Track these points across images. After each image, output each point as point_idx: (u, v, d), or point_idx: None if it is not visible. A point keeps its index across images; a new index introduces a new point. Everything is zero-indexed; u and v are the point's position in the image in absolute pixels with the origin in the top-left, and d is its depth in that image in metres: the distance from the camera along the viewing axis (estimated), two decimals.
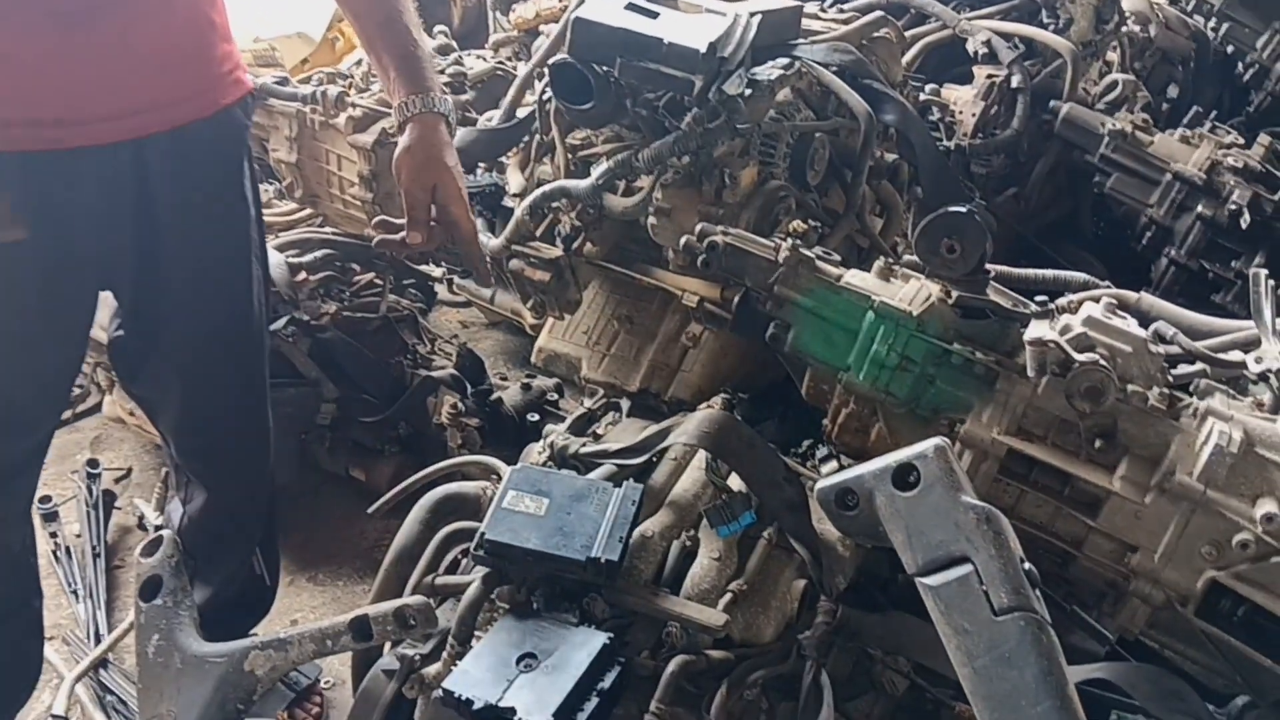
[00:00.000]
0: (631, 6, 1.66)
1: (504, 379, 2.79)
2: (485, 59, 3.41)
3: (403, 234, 1.62)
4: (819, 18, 2.06)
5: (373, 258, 2.58)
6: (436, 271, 2.80)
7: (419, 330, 2.60)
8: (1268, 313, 1.38)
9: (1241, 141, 2.09)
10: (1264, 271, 1.42)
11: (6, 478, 1.64)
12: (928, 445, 1.09)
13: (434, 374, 2.44)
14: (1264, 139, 2.15)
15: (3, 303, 1.51)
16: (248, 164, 1.72)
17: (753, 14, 1.73)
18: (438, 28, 3.67)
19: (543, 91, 1.86)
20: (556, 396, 2.51)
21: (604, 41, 1.64)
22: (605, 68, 1.66)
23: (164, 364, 1.73)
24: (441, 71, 3.05)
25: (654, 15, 1.67)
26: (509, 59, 3.60)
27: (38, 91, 1.44)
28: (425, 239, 1.62)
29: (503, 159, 2.07)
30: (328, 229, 2.60)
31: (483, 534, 1.33)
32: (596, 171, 1.74)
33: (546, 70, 1.78)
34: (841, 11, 2.18)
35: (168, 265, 1.63)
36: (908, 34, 2.22)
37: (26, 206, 1.46)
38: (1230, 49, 2.58)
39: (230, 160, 1.69)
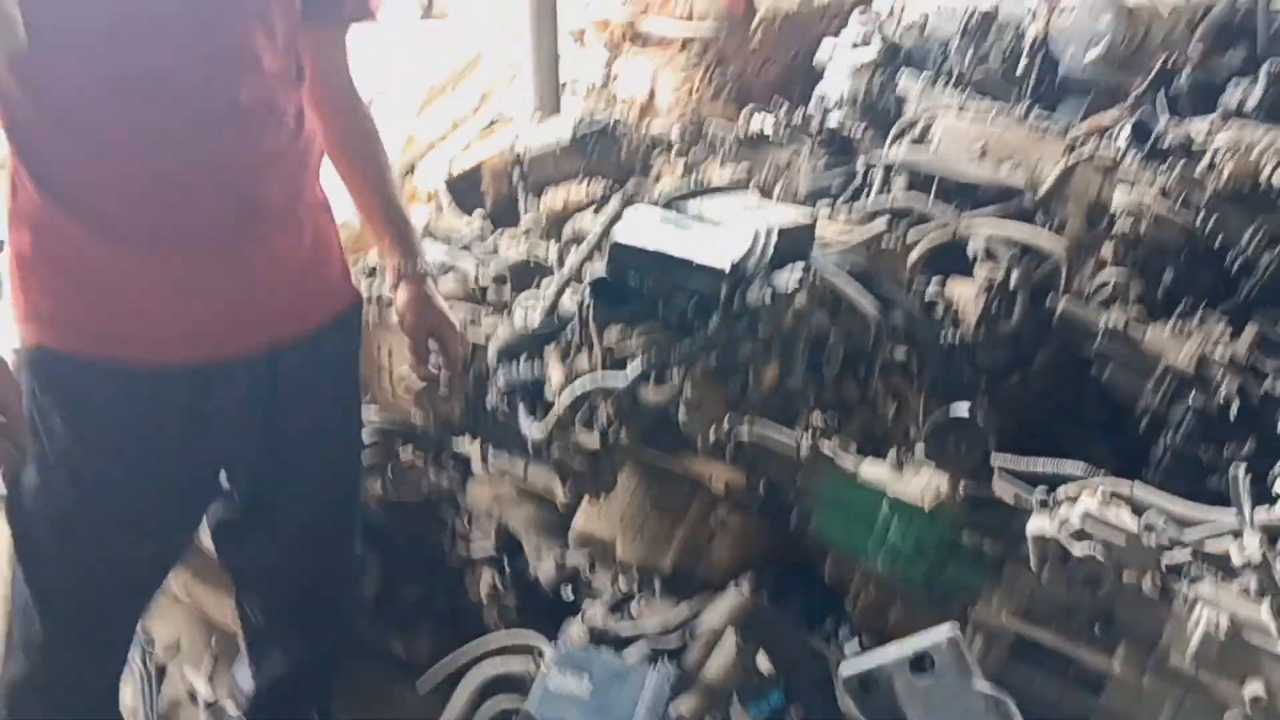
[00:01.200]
0: (666, 220, 1.86)
1: (538, 554, 2.90)
2: (518, 243, 3.64)
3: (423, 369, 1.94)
4: (830, 224, 2.26)
5: (415, 437, 2.73)
6: (474, 449, 2.94)
7: (458, 507, 2.73)
8: (1246, 508, 1.52)
9: (1229, 332, 2.24)
10: (1242, 468, 1.56)
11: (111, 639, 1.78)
12: (941, 635, 1.22)
13: (473, 551, 2.56)
14: (1252, 328, 2.30)
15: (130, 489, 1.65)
16: (358, 358, 1.91)
17: (770, 229, 1.93)
18: (477, 212, 3.92)
19: (582, 297, 2.04)
20: (590, 574, 2.62)
21: (639, 262, 1.83)
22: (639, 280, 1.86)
23: (271, 541, 1.88)
24: (481, 257, 3.29)
25: (685, 228, 1.86)
26: (539, 240, 3.84)
27: (190, 309, 1.61)
28: (426, 366, 1.94)
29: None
30: (375, 413, 2.76)
31: (530, 715, 1.45)
32: (631, 368, 1.91)
33: (587, 282, 1.97)
34: (850, 215, 2.38)
35: (290, 456, 1.79)
36: (911, 231, 2.43)
37: (164, 414, 1.62)
38: (1219, 241, 2.73)
39: (348, 359, 1.89)
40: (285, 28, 1.60)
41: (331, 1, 1.72)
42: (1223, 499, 1.66)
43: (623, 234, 1.88)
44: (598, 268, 2.00)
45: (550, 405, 2.07)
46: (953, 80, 4.47)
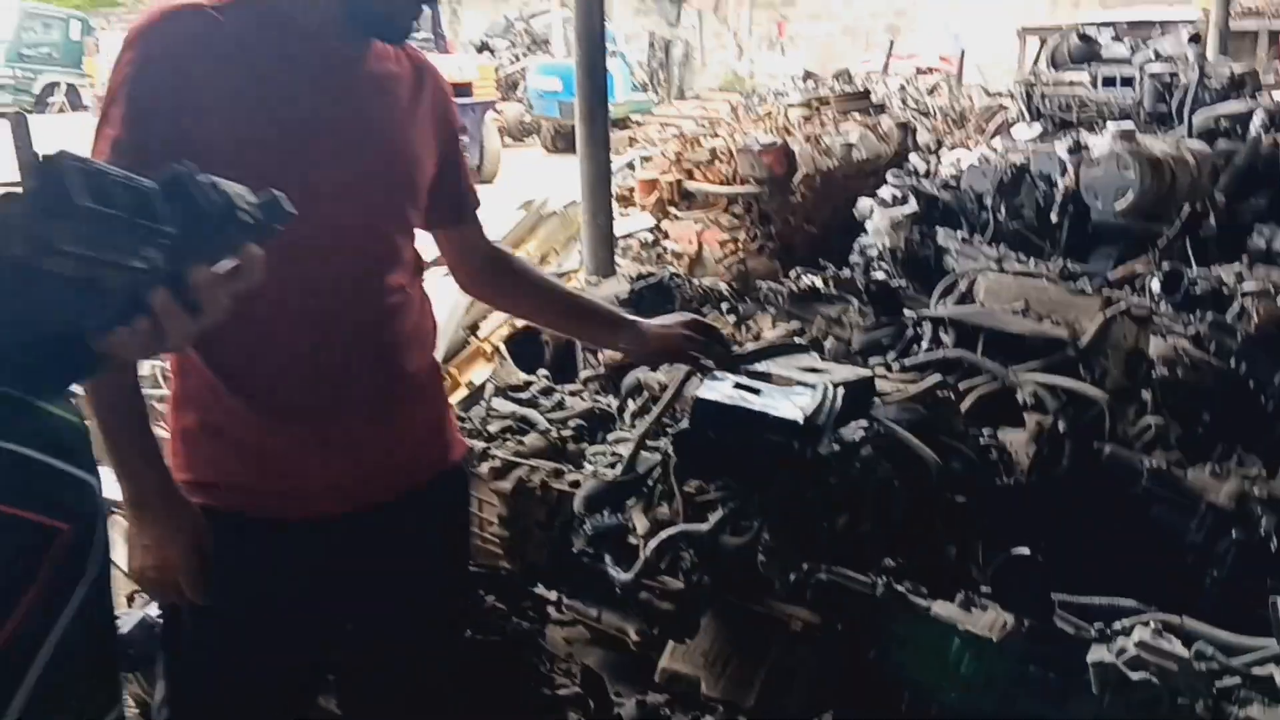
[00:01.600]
0: (739, 385, 2.06)
1: (618, 695, 3.02)
2: (580, 397, 3.84)
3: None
4: (887, 377, 2.45)
5: (500, 581, 2.89)
6: (550, 594, 3.10)
7: (540, 651, 2.87)
8: None
9: (1264, 473, 2.40)
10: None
11: None
12: None
13: (558, 693, 2.70)
14: None
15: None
16: (468, 505, 2.11)
17: (835, 384, 2.12)
18: (540, 372, 4.14)
19: (664, 449, 2.23)
20: (673, 713, 2.74)
21: (720, 416, 2.02)
22: (719, 434, 2.05)
23: (375, 679, 2.03)
24: (548, 411, 3.50)
25: (757, 391, 2.06)
26: (598, 393, 4.05)
27: (337, 469, 1.78)
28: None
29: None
30: None
31: None
32: (713, 517, 2.09)
33: (671, 438, 2.16)
34: (905, 370, 2.58)
35: (407, 598, 1.94)
36: (963, 384, 2.61)
37: (306, 561, 1.81)
38: (1252, 383, 2.89)
39: (463, 506, 2.08)
40: (417, 223, 1.85)
41: (460, 203, 1.99)
42: (1267, 627, 1.79)
43: (704, 391, 2.08)
44: (680, 423, 2.20)
45: (635, 551, 2.24)
46: (989, 233, 4.72)
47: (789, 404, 2.04)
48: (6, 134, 5.33)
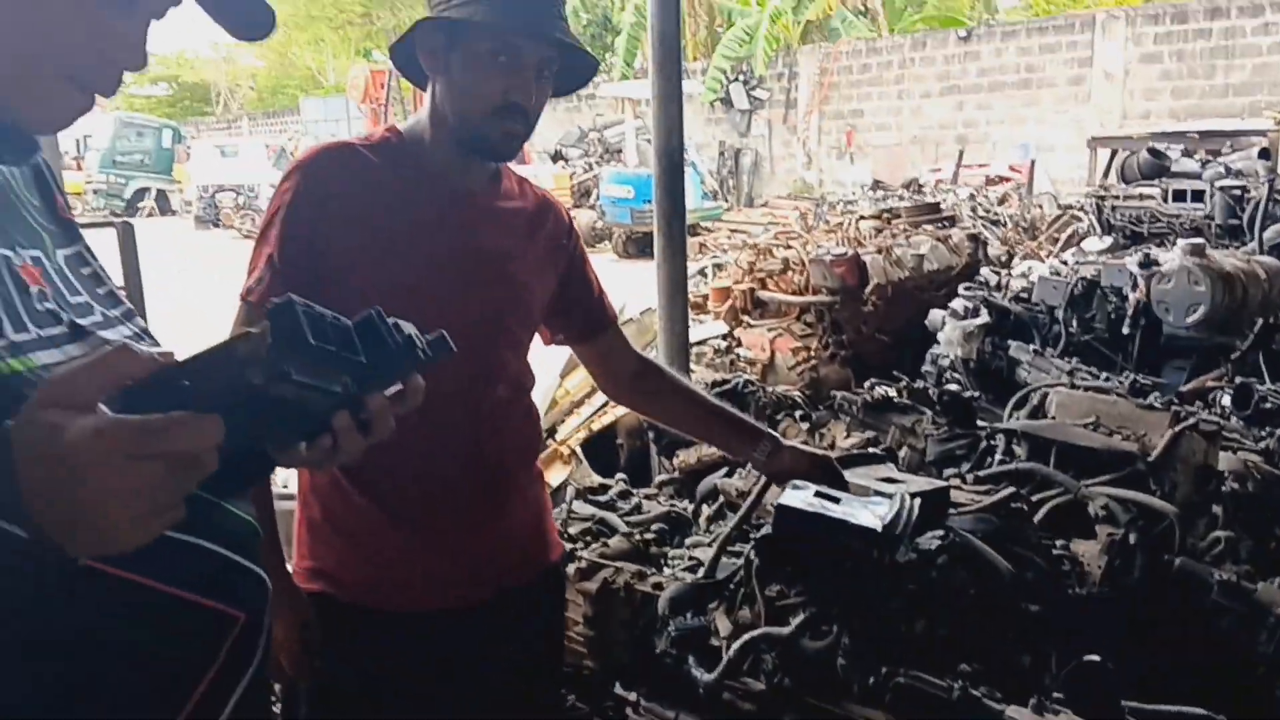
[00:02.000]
0: (819, 494, 2.17)
1: None
2: (656, 502, 3.95)
3: None
4: (962, 489, 2.54)
5: (581, 685, 2.98)
6: (630, 694, 3.17)
7: None
8: None
9: None
10: None
11: None
12: None
13: None
14: None
15: None
16: (564, 605, 2.23)
17: (912, 494, 2.22)
18: (618, 476, 4.27)
19: (747, 554, 2.33)
20: None
21: (802, 523, 2.13)
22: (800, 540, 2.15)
23: None
24: (625, 514, 3.61)
25: (836, 500, 2.17)
26: (672, 497, 4.15)
27: (443, 564, 1.92)
28: None
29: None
30: None
31: None
32: (794, 620, 2.18)
33: (753, 543, 2.27)
34: (979, 481, 2.67)
35: (503, 693, 2.06)
36: (1036, 497, 2.69)
37: (411, 652, 1.93)
38: None
39: (559, 605, 2.21)
40: (527, 341, 2.01)
41: (592, 318, 2.16)
42: None
43: (786, 498, 2.19)
44: (759, 528, 2.31)
45: (717, 653, 2.33)
46: (1061, 346, 4.80)
47: (868, 513, 2.14)
48: (113, 241, 5.67)
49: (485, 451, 1.95)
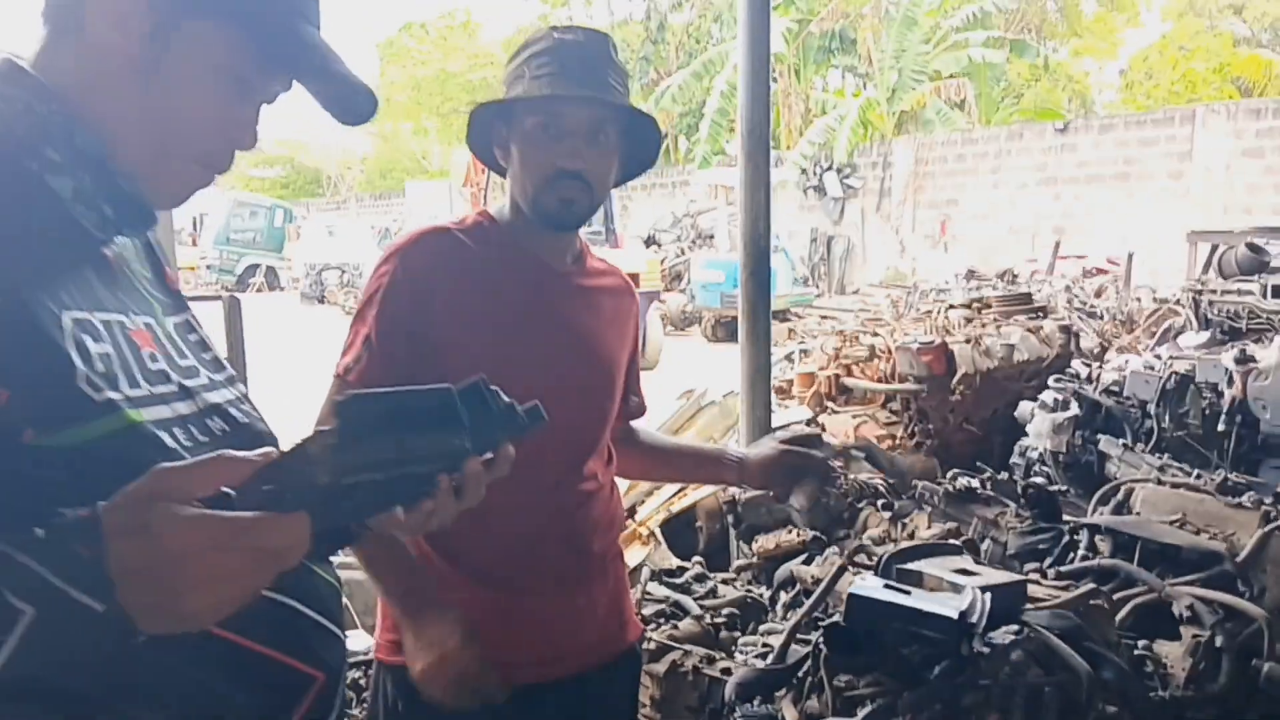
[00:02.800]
0: (888, 586, 2.15)
1: None
2: (733, 586, 3.93)
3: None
4: (1040, 583, 2.49)
5: None
6: None
7: None
8: None
9: None
10: None
11: None
12: None
13: None
14: None
15: None
16: (639, 682, 2.23)
17: (984, 588, 2.18)
18: (694, 559, 4.26)
19: (817, 641, 2.31)
20: None
21: (875, 612, 2.11)
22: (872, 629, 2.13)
23: None
24: (700, 597, 3.60)
25: (907, 592, 2.14)
26: (750, 582, 4.12)
27: (530, 640, 1.93)
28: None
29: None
30: None
31: None
32: (862, 712, 2.14)
33: (822, 631, 2.24)
34: (1060, 576, 2.61)
35: None
36: (1118, 594, 2.62)
37: None
38: None
39: (635, 683, 2.19)
40: (612, 419, 2.05)
41: (632, 407, 2.19)
42: None
43: (857, 587, 2.17)
44: (831, 617, 2.29)
45: None
46: (1153, 442, 4.69)
47: (940, 603, 2.11)
48: (219, 313, 5.90)
49: (572, 527, 1.98)
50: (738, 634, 3.02)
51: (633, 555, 4.79)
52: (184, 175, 1.16)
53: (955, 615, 2.05)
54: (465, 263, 1.88)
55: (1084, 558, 2.83)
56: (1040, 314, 7.00)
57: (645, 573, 3.83)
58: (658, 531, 5.00)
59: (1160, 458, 4.29)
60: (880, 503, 4.19)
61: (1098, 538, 2.87)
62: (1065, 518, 3.26)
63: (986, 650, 2.09)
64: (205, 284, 27.49)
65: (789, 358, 8.45)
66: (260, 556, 0.85)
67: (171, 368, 1.15)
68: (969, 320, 6.76)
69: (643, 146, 1.98)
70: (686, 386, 5.88)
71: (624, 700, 2.18)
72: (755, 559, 4.30)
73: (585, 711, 2.04)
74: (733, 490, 4.67)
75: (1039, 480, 3.58)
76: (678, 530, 5.10)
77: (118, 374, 1.05)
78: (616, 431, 2.20)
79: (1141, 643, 2.47)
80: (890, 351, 6.08)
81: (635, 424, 2.28)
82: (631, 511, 5.03)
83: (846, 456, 2.50)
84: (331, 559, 1.22)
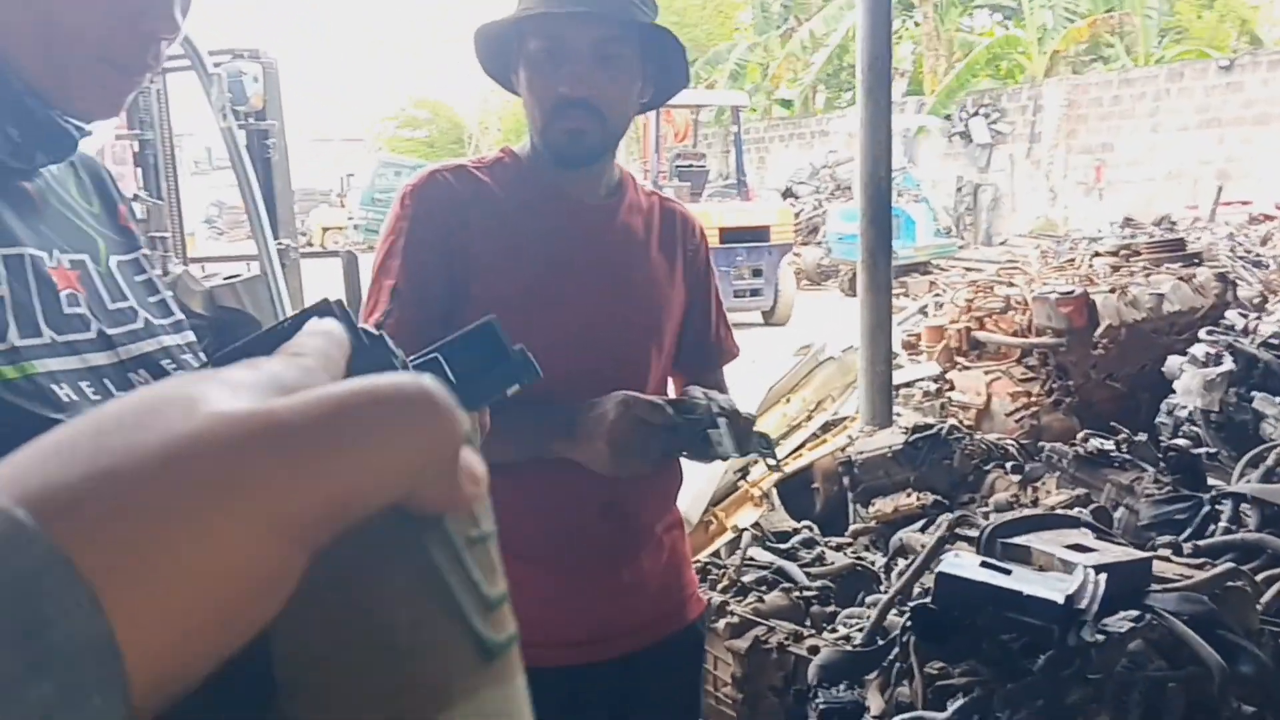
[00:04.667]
0: (985, 564, 1.89)
1: None
2: (844, 553, 3.68)
3: None
4: (1172, 561, 2.19)
5: None
6: None
7: None
8: None
9: None
10: None
11: None
12: None
13: None
14: None
15: None
16: (702, 666, 2.02)
17: (1101, 567, 1.90)
18: (803, 523, 4.01)
19: (905, 624, 2.07)
20: None
21: (968, 593, 1.85)
22: (965, 612, 1.87)
23: None
24: (805, 564, 3.36)
25: (1007, 572, 1.88)
26: (866, 548, 3.87)
27: (574, 619, 1.76)
28: None
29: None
30: None
31: None
32: (953, 706, 1.90)
33: (910, 612, 2.00)
34: (1197, 553, 2.30)
35: None
36: (1264, 574, 2.30)
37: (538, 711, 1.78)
38: None
39: (696, 667, 1.98)
40: (660, 362, 1.82)
41: (706, 352, 1.95)
42: None
43: (947, 565, 1.92)
44: (925, 594, 2.04)
45: None
46: None
47: (1045, 584, 1.85)
48: (338, 270, 5.93)
49: (615, 491, 1.77)
50: (834, 608, 2.78)
51: (744, 517, 4.58)
52: (92, 78, 1.01)
53: (1061, 599, 1.78)
54: (483, 198, 1.71)
55: (1226, 530, 2.50)
56: (1195, 261, 6.45)
57: (746, 537, 3.61)
58: (773, 493, 4.77)
59: None
60: (1009, 465, 3.89)
61: (1243, 508, 2.54)
62: (1213, 483, 2.92)
63: (1100, 639, 1.81)
64: (353, 244, 28.26)
65: (923, 310, 8.07)
66: None
67: (97, 312, 1.03)
68: (1116, 269, 6.27)
69: (668, 67, 1.75)
70: (804, 342, 5.61)
71: (683, 682, 1.97)
72: (873, 522, 4.06)
73: (639, 695, 1.85)
74: (850, 450, 4.42)
75: (1182, 442, 3.22)
76: (795, 491, 4.87)
77: (8, 321, 0.92)
78: (692, 380, 1.98)
79: None
80: (1027, 302, 5.67)
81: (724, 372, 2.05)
82: (745, 471, 4.82)
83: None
84: None
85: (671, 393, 1.95)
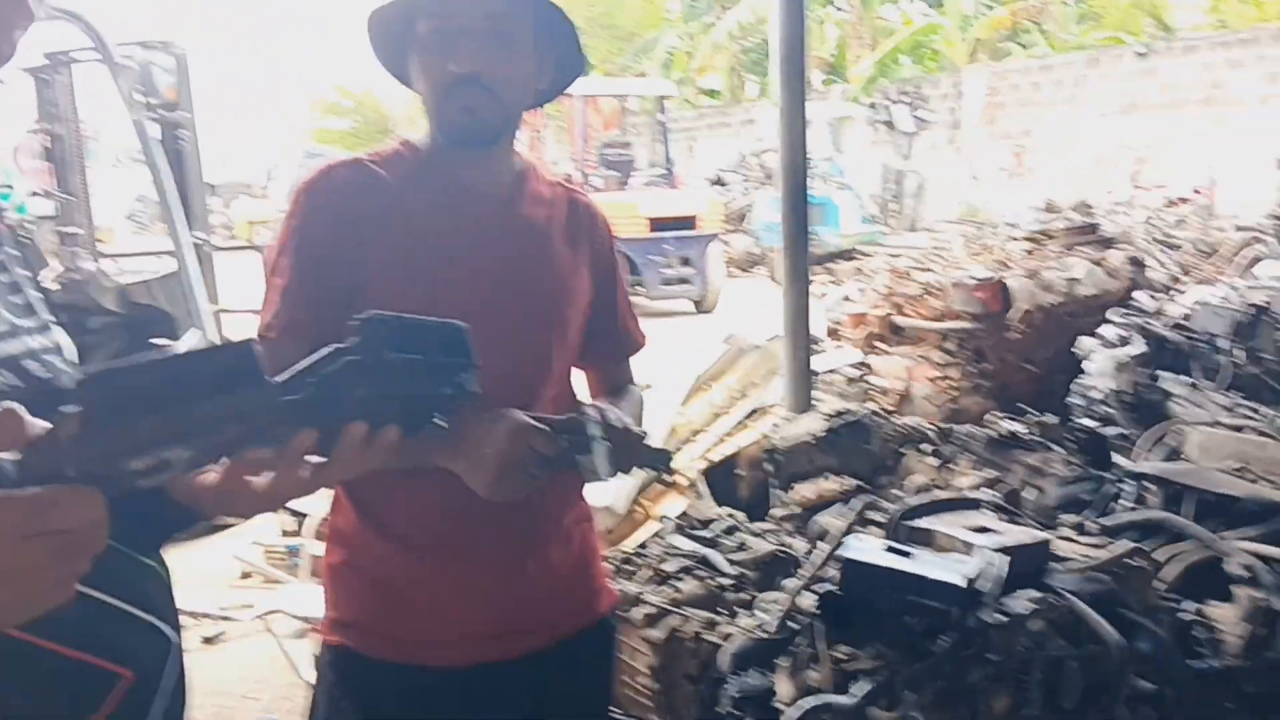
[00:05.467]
0: (890, 549, 1.90)
1: None
2: (766, 538, 3.69)
3: None
4: (1074, 540, 2.22)
5: None
6: None
7: None
8: None
9: None
10: None
11: None
12: None
13: None
14: None
15: None
16: (615, 660, 2.00)
17: (1003, 549, 1.93)
18: (724, 510, 4.02)
19: (814, 612, 2.08)
20: None
21: (872, 578, 1.87)
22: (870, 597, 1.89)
23: None
24: (730, 551, 3.36)
25: (908, 555, 1.90)
26: (789, 534, 3.88)
27: (474, 616, 1.73)
28: None
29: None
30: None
31: None
32: (856, 687, 1.91)
33: (818, 598, 2.01)
34: (1101, 531, 2.34)
35: None
36: (1165, 551, 2.34)
37: (442, 711, 1.74)
38: None
39: (607, 661, 1.96)
40: (564, 360, 1.80)
41: (612, 343, 1.93)
42: None
43: (850, 550, 1.93)
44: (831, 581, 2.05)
45: (778, 716, 2.08)
46: (1223, 379, 4.34)
47: (947, 568, 1.87)
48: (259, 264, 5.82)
49: None
50: (752, 594, 2.78)
51: (671, 506, 4.58)
52: None
53: (962, 581, 1.80)
54: (379, 194, 1.67)
55: (1128, 510, 2.55)
56: (1108, 245, 6.57)
57: (667, 525, 3.61)
58: (700, 481, 4.77)
59: (1230, 397, 3.94)
60: (925, 447, 3.93)
61: (1145, 488, 2.59)
62: (1122, 463, 2.98)
63: (1001, 620, 1.84)
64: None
65: (847, 298, 8.13)
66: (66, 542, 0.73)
67: None
68: (1030, 253, 6.36)
69: (565, 49, 1.73)
70: (729, 331, 5.62)
71: (595, 676, 1.95)
72: (796, 508, 4.08)
73: (549, 690, 1.83)
74: (773, 437, 4.44)
75: (1089, 422, 3.28)
76: (722, 478, 4.88)
77: None
78: (599, 372, 1.96)
79: (1191, 606, 2.20)
80: (945, 288, 5.73)
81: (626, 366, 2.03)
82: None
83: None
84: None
85: (585, 384, 1.93)
